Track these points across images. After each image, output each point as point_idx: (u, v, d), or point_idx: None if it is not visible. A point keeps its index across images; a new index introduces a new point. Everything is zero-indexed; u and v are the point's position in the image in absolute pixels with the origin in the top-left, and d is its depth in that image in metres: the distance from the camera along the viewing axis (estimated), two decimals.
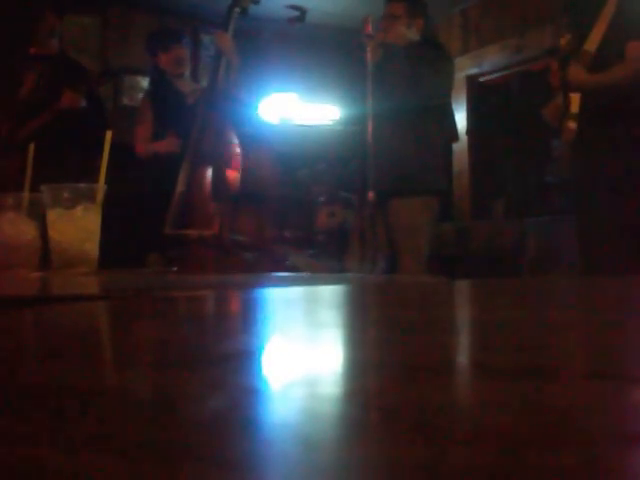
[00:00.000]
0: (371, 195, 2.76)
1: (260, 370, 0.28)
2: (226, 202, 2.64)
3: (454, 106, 3.23)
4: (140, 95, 5.06)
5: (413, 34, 2.99)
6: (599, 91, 2.43)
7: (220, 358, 0.30)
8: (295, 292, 0.85)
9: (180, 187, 2.67)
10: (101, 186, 1.35)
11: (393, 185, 2.89)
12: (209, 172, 2.68)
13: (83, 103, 3.35)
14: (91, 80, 3.69)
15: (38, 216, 1.40)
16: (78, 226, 1.33)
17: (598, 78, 2.42)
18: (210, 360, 0.29)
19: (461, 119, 4.92)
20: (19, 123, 3.22)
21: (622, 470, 0.15)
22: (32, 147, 1.50)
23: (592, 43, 2.43)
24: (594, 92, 2.44)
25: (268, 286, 1.11)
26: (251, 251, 2.66)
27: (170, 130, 3.03)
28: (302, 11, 2.99)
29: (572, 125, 2.47)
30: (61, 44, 4.47)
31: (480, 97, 5.32)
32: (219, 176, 2.67)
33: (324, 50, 5.37)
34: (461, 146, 5.03)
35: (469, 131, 5.17)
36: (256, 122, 3.02)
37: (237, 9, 2.81)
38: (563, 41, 2.51)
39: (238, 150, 2.67)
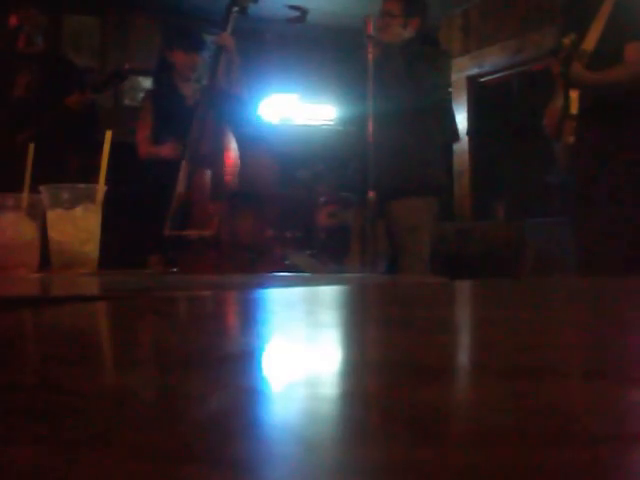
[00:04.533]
0: (371, 195, 2.76)
1: (261, 371, 0.28)
2: (225, 202, 2.64)
3: (454, 106, 3.23)
4: (141, 95, 5.06)
5: (409, 33, 2.99)
6: (599, 89, 2.43)
7: (221, 359, 0.30)
8: (295, 292, 0.85)
9: (179, 188, 2.67)
10: (101, 186, 1.35)
11: (394, 185, 2.89)
12: (208, 172, 2.68)
13: (84, 106, 3.35)
14: (85, 80, 3.68)
15: (38, 217, 1.40)
16: (78, 227, 1.33)
17: (599, 76, 2.43)
18: (210, 361, 0.29)
19: (462, 119, 4.92)
20: (16, 125, 3.21)
21: (622, 470, 0.15)
22: (32, 147, 1.50)
23: (590, 42, 2.44)
24: (594, 90, 2.44)
25: (268, 286, 1.11)
26: (251, 251, 2.66)
27: (172, 136, 3.00)
28: (302, 11, 2.99)
29: (572, 125, 2.48)
30: (58, 43, 4.46)
31: (480, 98, 5.32)
32: (218, 176, 2.67)
33: (324, 50, 5.37)
34: (462, 147, 5.03)
35: (470, 132, 5.17)
36: (256, 122, 3.02)
37: (235, 8, 2.80)
38: (567, 40, 2.51)
39: (237, 150, 2.67)
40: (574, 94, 2.48)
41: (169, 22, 3.53)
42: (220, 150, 2.69)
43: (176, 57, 3.22)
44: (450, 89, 3.28)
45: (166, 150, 3.07)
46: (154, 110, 3.22)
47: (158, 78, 3.37)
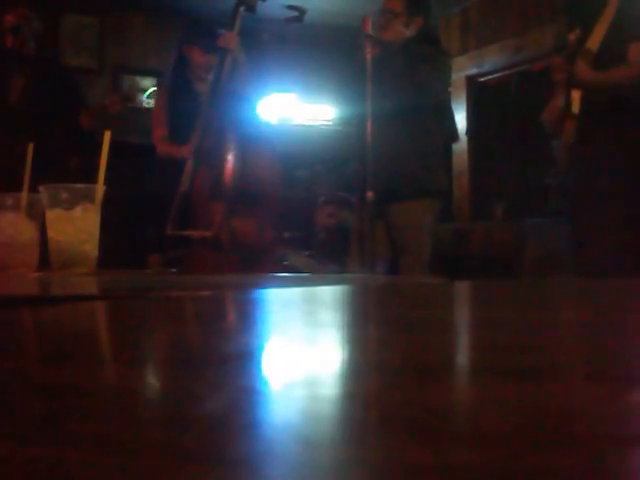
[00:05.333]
0: (370, 195, 2.75)
1: (260, 371, 0.28)
2: (226, 202, 2.64)
3: (453, 106, 3.23)
4: (139, 95, 5.06)
5: (411, 32, 2.98)
6: (603, 89, 2.43)
7: (220, 359, 0.30)
8: (295, 293, 0.85)
9: (182, 186, 2.66)
10: (100, 186, 1.35)
11: (395, 187, 2.89)
12: (211, 172, 2.68)
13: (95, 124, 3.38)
14: (75, 82, 3.69)
15: (37, 216, 1.40)
16: (77, 227, 1.33)
17: (603, 76, 2.43)
18: (210, 361, 0.29)
19: (461, 119, 4.92)
20: (17, 132, 3.19)
21: (622, 470, 0.15)
22: (31, 147, 1.50)
23: (594, 42, 2.44)
24: (598, 90, 2.44)
25: (268, 287, 1.11)
26: (251, 252, 2.66)
27: (186, 133, 2.95)
28: (301, 11, 2.99)
29: (572, 125, 2.48)
30: (56, 43, 4.45)
31: (480, 97, 5.32)
32: (220, 176, 2.66)
33: (323, 50, 5.37)
34: (460, 147, 5.03)
35: (469, 131, 5.17)
36: (257, 121, 3.01)
37: (243, 7, 2.79)
38: (572, 36, 2.51)
39: (239, 150, 2.67)
40: (575, 93, 2.47)
41: (192, 20, 3.50)
42: (223, 150, 2.68)
43: (193, 55, 3.19)
44: (449, 89, 3.28)
45: (183, 151, 3.00)
46: (169, 107, 3.18)
47: (174, 74, 3.33)
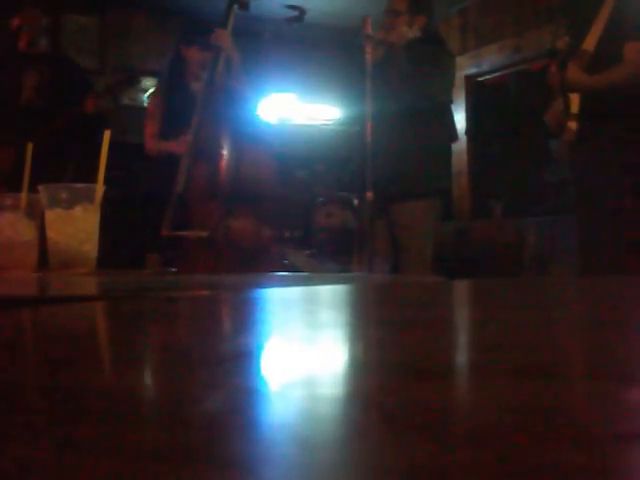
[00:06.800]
0: (370, 195, 2.75)
1: (259, 371, 0.28)
2: (224, 202, 2.64)
3: (452, 106, 3.23)
4: (140, 95, 5.05)
5: (414, 32, 2.98)
6: (597, 93, 2.44)
7: (219, 359, 0.30)
8: (294, 292, 0.85)
9: (178, 187, 2.66)
10: (100, 186, 1.35)
11: (397, 187, 2.89)
12: (207, 171, 2.67)
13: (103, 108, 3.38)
14: (91, 83, 3.69)
15: (37, 216, 1.40)
16: (76, 226, 1.33)
17: (596, 80, 2.43)
18: (209, 361, 0.29)
19: (460, 119, 4.93)
20: (30, 127, 3.19)
21: (622, 470, 0.15)
22: (30, 147, 1.50)
23: (590, 42, 2.44)
24: (592, 94, 2.45)
25: (267, 286, 1.11)
26: (249, 251, 2.66)
27: (181, 133, 2.95)
28: (301, 11, 2.99)
29: (572, 125, 2.48)
30: (59, 43, 4.47)
31: (479, 97, 5.32)
32: (216, 176, 2.66)
33: (323, 50, 5.37)
34: (460, 146, 5.03)
35: (468, 131, 5.17)
36: (255, 121, 3.01)
37: (235, 5, 2.79)
38: (561, 43, 2.52)
39: (236, 149, 2.66)
40: (574, 95, 2.48)
41: (190, 20, 3.51)
42: (218, 149, 2.68)
43: (191, 54, 3.18)
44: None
45: (178, 146, 2.99)
46: (164, 106, 3.18)
47: (170, 73, 3.32)
